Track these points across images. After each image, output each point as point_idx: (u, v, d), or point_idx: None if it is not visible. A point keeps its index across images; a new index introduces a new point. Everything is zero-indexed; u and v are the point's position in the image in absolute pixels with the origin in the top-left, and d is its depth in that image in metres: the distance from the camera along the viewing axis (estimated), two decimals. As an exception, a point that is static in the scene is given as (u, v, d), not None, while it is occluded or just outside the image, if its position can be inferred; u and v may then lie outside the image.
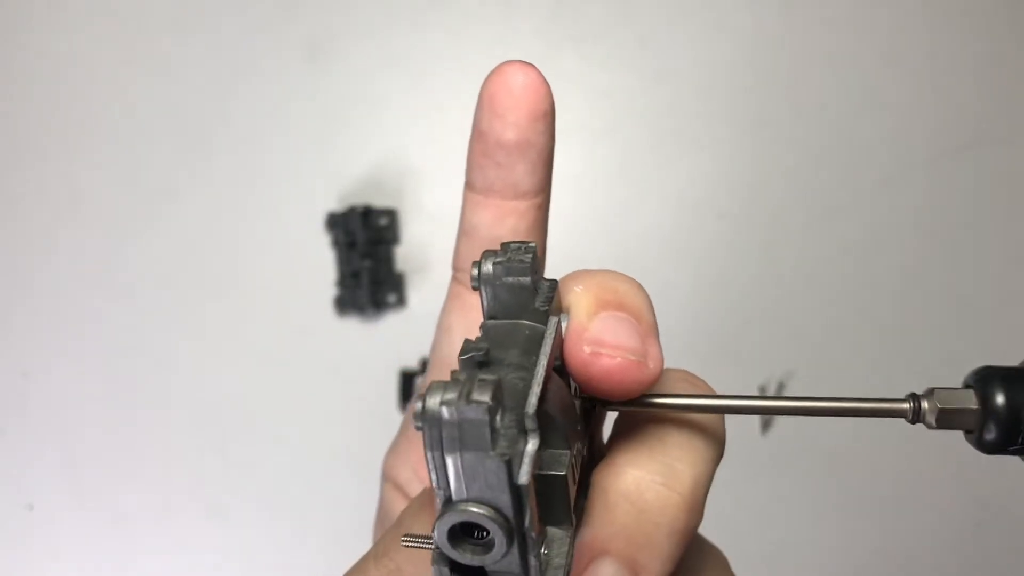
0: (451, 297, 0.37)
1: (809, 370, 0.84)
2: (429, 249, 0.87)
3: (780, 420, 0.83)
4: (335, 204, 0.86)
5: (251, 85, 0.88)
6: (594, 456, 0.29)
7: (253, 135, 0.88)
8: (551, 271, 0.30)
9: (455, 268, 0.36)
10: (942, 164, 0.87)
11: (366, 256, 0.84)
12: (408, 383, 0.83)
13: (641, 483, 0.25)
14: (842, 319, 0.85)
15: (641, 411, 0.27)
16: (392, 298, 0.86)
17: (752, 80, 0.88)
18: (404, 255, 0.87)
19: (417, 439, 0.38)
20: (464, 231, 0.35)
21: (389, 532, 0.28)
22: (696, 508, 0.26)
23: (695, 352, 0.84)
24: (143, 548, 0.83)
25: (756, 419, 0.83)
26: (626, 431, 0.27)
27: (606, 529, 0.25)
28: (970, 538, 0.82)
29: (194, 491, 0.83)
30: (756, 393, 0.82)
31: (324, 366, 0.84)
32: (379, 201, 0.86)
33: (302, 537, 0.82)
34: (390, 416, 0.82)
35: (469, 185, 0.34)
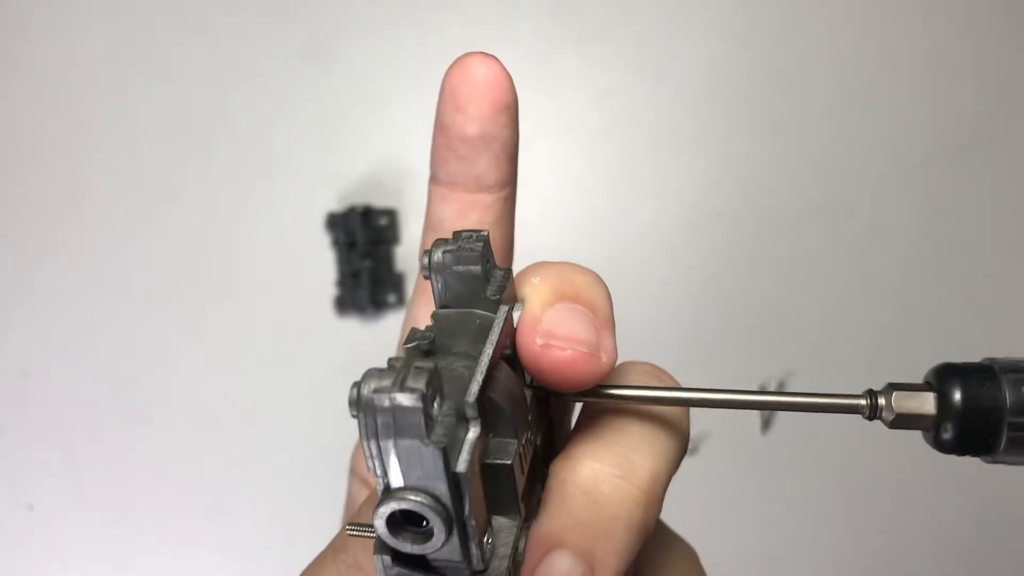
0: (418, 292, 0.37)
1: (809, 370, 0.84)
2: (429, 249, 0.87)
3: (780, 420, 0.83)
4: (335, 204, 0.86)
5: (251, 85, 0.88)
6: (556, 447, 0.29)
7: (253, 135, 0.88)
8: None
9: (420, 261, 0.36)
10: (942, 164, 0.87)
11: (366, 256, 0.84)
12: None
13: (598, 475, 0.25)
14: (841, 318, 0.85)
15: (600, 402, 0.27)
16: (392, 298, 0.86)
17: (751, 80, 0.88)
18: (404, 255, 0.87)
19: None
20: (430, 224, 0.35)
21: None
22: (653, 502, 0.26)
23: (693, 351, 0.84)
24: (143, 548, 0.83)
25: (756, 419, 0.83)
26: (587, 422, 0.27)
27: (562, 521, 0.25)
28: (970, 538, 0.82)
29: (194, 491, 0.83)
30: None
31: (324, 366, 0.84)
32: (379, 201, 0.86)
33: (301, 537, 0.82)
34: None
35: (433, 178, 0.34)
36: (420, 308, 0.36)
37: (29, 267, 0.87)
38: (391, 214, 0.86)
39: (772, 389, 0.83)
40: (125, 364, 0.85)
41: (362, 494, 0.38)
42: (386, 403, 0.19)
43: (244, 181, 0.87)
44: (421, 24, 0.89)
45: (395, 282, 0.86)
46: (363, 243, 0.84)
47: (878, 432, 0.90)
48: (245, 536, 0.83)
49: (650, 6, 0.89)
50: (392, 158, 0.88)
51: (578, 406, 0.29)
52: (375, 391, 0.20)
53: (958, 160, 0.87)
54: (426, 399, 0.19)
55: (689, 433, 0.28)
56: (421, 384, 0.19)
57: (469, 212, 0.33)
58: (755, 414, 0.83)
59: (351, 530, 0.24)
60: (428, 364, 0.20)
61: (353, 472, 0.39)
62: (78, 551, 0.83)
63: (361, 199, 0.86)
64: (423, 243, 0.36)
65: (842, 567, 0.83)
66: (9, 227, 0.88)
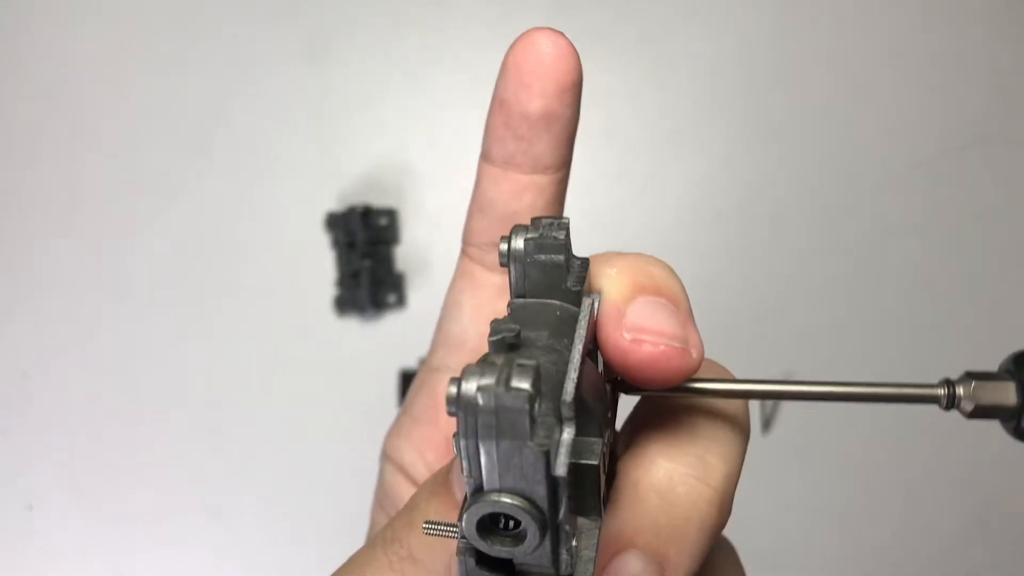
0: (461, 274, 0.35)
1: (810, 370, 0.84)
2: (429, 249, 0.87)
3: (781, 421, 0.83)
4: (335, 204, 0.86)
5: (251, 85, 0.88)
6: (614, 444, 0.28)
7: (253, 135, 0.88)
8: None
9: (466, 243, 0.35)
10: (942, 164, 0.87)
11: (366, 256, 0.84)
12: (408, 383, 0.83)
13: (673, 476, 0.24)
14: (843, 319, 0.85)
15: (669, 398, 0.26)
16: (392, 298, 0.85)
17: (752, 80, 0.88)
18: (404, 255, 0.87)
19: (423, 420, 0.36)
20: (479, 205, 0.33)
21: (400, 517, 0.27)
22: (727, 503, 0.25)
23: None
24: (143, 548, 0.83)
25: (756, 420, 0.83)
26: (654, 420, 0.26)
27: (635, 522, 0.24)
28: (973, 538, 0.82)
29: (193, 491, 0.83)
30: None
31: (324, 366, 0.84)
32: (379, 201, 0.86)
33: (302, 537, 0.82)
34: (390, 416, 0.82)
35: (486, 157, 0.32)
36: (464, 292, 0.34)
37: (29, 267, 0.87)
38: (391, 214, 0.86)
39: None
40: (125, 364, 0.85)
41: (396, 480, 0.37)
42: (490, 403, 0.18)
43: (244, 181, 0.87)
44: (421, 24, 0.89)
45: (395, 282, 0.86)
46: (363, 243, 0.84)
47: (878, 432, 0.90)
48: (245, 536, 0.83)
49: (650, 5, 0.89)
50: (392, 158, 0.87)
51: (630, 404, 0.28)
52: (480, 389, 0.18)
53: (959, 160, 0.87)
54: (531, 400, 0.18)
55: (750, 431, 0.27)
56: (527, 384, 0.18)
57: (523, 194, 0.32)
58: (755, 415, 0.83)
59: (428, 529, 0.23)
60: (530, 361, 0.19)
61: (386, 457, 0.38)
62: (78, 551, 0.83)
63: (361, 199, 0.86)
64: (469, 225, 0.34)
65: (843, 567, 0.83)
66: (9, 227, 0.88)
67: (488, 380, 0.18)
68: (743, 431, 0.27)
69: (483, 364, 0.19)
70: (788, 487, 0.83)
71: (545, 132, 0.31)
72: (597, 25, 0.88)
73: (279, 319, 0.85)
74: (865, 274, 0.86)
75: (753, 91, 0.88)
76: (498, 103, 0.31)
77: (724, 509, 0.25)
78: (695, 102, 0.88)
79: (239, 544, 0.82)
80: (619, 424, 0.29)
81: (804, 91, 0.88)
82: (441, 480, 0.26)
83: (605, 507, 0.24)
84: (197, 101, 0.88)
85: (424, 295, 0.86)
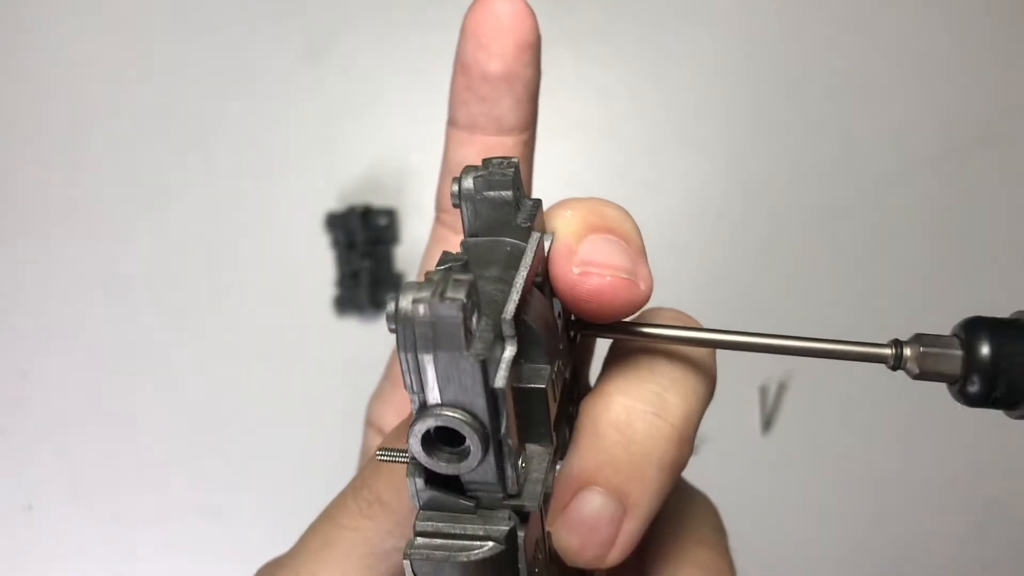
0: (434, 240, 0.36)
1: (810, 370, 0.83)
2: (429, 249, 0.87)
3: (781, 421, 0.83)
4: (335, 204, 0.86)
5: (251, 85, 0.88)
6: (581, 393, 0.28)
7: (253, 135, 0.88)
8: None
9: (439, 209, 0.36)
10: (943, 164, 0.87)
11: (366, 256, 0.84)
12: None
13: (632, 412, 0.25)
14: (843, 319, 0.85)
15: (629, 339, 0.27)
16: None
17: (752, 79, 0.88)
18: (404, 255, 0.87)
19: (399, 382, 0.37)
20: (448, 169, 0.34)
21: (368, 465, 0.28)
22: (686, 440, 0.25)
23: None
24: (142, 548, 0.83)
25: (756, 420, 0.83)
26: (617, 361, 0.27)
27: (594, 459, 0.24)
28: (972, 539, 0.82)
29: (193, 491, 0.83)
30: (756, 395, 0.82)
31: (324, 366, 0.84)
32: (379, 201, 0.86)
33: (302, 537, 0.82)
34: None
35: (452, 122, 0.33)
36: (435, 253, 0.35)
37: (28, 267, 0.87)
38: (391, 214, 0.86)
39: (772, 390, 0.83)
40: (125, 364, 0.85)
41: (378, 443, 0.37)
42: (426, 313, 0.19)
43: (244, 181, 0.87)
44: (421, 24, 0.89)
45: (395, 282, 0.86)
46: (363, 243, 0.84)
47: (878, 432, 0.89)
48: (245, 536, 0.83)
49: (650, 5, 0.89)
50: (392, 158, 0.87)
51: (603, 350, 0.29)
52: (414, 301, 0.19)
53: (960, 160, 0.87)
54: (466, 310, 0.19)
55: (716, 377, 0.28)
56: (461, 295, 0.19)
57: (489, 156, 0.33)
58: (756, 415, 0.83)
59: (381, 455, 0.24)
60: (466, 276, 0.20)
61: (369, 423, 0.38)
62: (77, 551, 0.83)
63: (361, 199, 0.86)
64: (440, 189, 0.35)
65: (843, 568, 0.83)
66: (8, 226, 0.88)
67: (425, 293, 0.19)
68: (706, 375, 0.27)
69: (422, 282, 0.20)
70: (788, 487, 0.83)
71: (506, 92, 0.31)
72: (597, 25, 0.88)
73: (279, 319, 0.85)
74: (865, 274, 0.86)
75: (753, 90, 0.88)
76: (459, 66, 0.32)
77: (683, 446, 0.25)
78: (695, 101, 0.88)
79: (239, 544, 0.82)
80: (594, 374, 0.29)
81: (804, 90, 0.88)
82: (405, 424, 0.26)
83: (559, 435, 0.25)
84: (197, 101, 0.88)
85: (424, 295, 0.86)
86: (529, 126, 0.33)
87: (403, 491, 0.26)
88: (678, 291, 0.84)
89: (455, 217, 0.35)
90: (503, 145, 0.33)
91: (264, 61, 0.89)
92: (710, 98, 0.88)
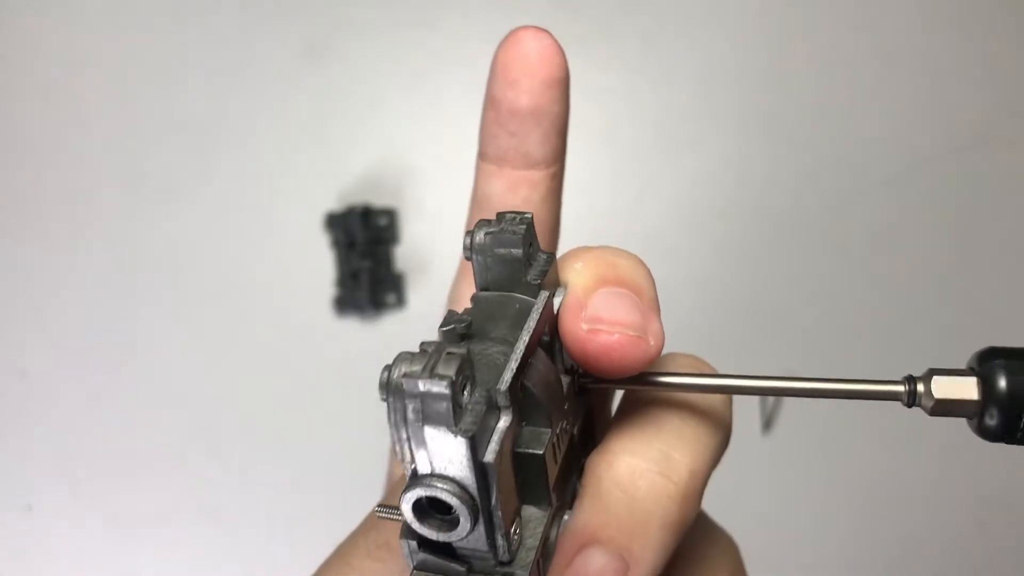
0: (461, 273, 0.36)
1: (810, 371, 0.83)
2: (429, 249, 0.87)
3: (781, 421, 0.83)
4: (335, 204, 0.86)
5: (250, 84, 0.88)
6: (596, 438, 0.28)
7: (252, 135, 0.88)
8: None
9: (464, 243, 0.35)
10: (943, 163, 0.87)
11: (366, 256, 0.84)
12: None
13: (635, 471, 0.25)
14: (844, 319, 0.85)
15: (641, 390, 0.26)
16: (392, 298, 0.85)
17: (753, 80, 0.88)
18: (404, 255, 0.87)
19: None
20: (476, 202, 0.34)
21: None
22: (692, 498, 0.25)
23: (693, 351, 0.83)
24: (142, 549, 0.83)
25: (756, 419, 0.83)
26: (625, 415, 0.27)
27: (598, 517, 0.24)
28: (973, 538, 0.82)
29: (192, 491, 0.83)
30: (757, 397, 0.82)
31: (324, 366, 0.84)
32: (379, 201, 0.86)
33: (301, 537, 0.82)
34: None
35: (482, 155, 0.34)
36: (463, 289, 0.35)
37: (27, 265, 0.87)
38: (390, 214, 0.86)
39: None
40: (124, 364, 0.85)
41: (400, 474, 0.38)
42: (415, 389, 0.19)
43: (244, 181, 0.87)
44: (421, 23, 0.89)
45: (395, 282, 0.86)
46: (362, 243, 0.84)
47: (878, 432, 0.89)
48: (244, 537, 0.83)
49: (650, 5, 0.89)
50: (392, 158, 0.87)
51: (618, 397, 0.29)
52: (405, 376, 0.19)
53: (960, 160, 0.87)
54: (455, 387, 0.19)
55: (731, 424, 0.27)
56: (451, 371, 0.19)
57: (517, 189, 0.33)
58: (756, 415, 0.83)
59: (380, 512, 0.24)
60: (460, 350, 0.20)
61: (393, 451, 0.39)
62: (77, 551, 0.83)
63: (360, 199, 0.86)
64: (470, 221, 0.35)
65: (843, 567, 0.83)
66: (8, 226, 0.88)
67: (416, 367, 0.19)
68: (717, 425, 0.27)
69: (415, 352, 0.20)
70: (788, 487, 0.83)
71: (535, 128, 0.32)
72: (597, 25, 0.88)
73: (279, 319, 0.85)
74: (866, 274, 0.86)
75: (753, 91, 0.88)
76: (489, 101, 0.32)
77: (688, 504, 0.25)
78: (695, 102, 0.88)
79: (238, 545, 0.82)
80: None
81: (804, 91, 0.88)
82: (402, 481, 0.27)
83: (562, 497, 0.25)
84: (197, 101, 0.88)
85: (424, 295, 0.86)
86: (557, 159, 0.33)
87: None
88: (676, 292, 0.84)
89: None
90: (530, 179, 0.33)
91: (264, 61, 0.89)
92: (710, 99, 0.88)
